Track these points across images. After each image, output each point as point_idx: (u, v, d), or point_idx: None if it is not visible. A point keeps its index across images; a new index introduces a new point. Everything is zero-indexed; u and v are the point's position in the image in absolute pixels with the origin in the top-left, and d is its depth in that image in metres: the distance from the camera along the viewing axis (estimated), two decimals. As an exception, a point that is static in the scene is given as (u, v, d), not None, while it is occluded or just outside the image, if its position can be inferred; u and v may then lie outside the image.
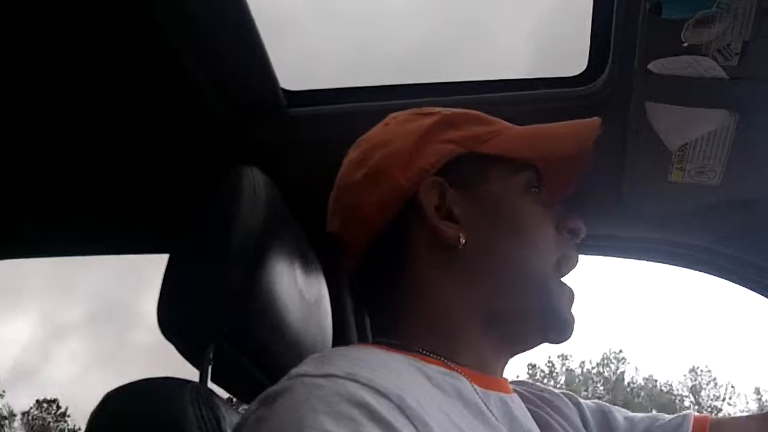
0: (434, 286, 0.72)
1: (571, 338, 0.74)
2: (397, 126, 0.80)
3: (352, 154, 0.80)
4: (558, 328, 0.74)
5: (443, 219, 0.73)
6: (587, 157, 0.80)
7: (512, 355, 0.76)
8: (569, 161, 0.80)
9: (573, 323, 0.74)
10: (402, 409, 0.53)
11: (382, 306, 0.76)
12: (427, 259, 0.73)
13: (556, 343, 0.75)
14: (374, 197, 0.74)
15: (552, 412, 0.79)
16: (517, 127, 0.81)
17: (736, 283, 1.30)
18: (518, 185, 0.76)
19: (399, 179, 0.74)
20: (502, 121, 0.81)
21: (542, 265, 0.74)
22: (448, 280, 0.72)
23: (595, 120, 0.78)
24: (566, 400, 0.84)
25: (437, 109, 0.80)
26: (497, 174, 0.76)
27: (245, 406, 0.62)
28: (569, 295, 0.76)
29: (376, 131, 0.81)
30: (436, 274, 0.72)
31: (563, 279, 0.77)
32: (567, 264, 0.77)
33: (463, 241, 0.71)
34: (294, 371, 0.58)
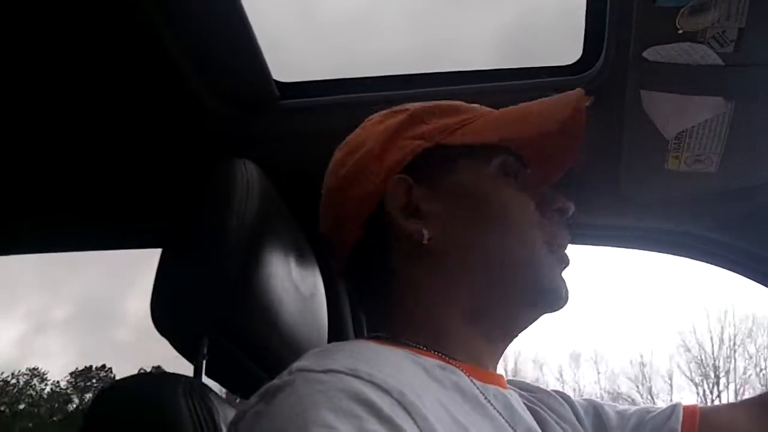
0: (415, 283, 0.73)
1: (566, 304, 0.74)
2: (370, 127, 0.80)
3: (337, 155, 0.81)
4: (549, 299, 0.74)
5: (410, 216, 0.73)
6: (575, 133, 0.78)
7: (509, 340, 0.76)
8: (551, 139, 0.77)
9: (563, 290, 0.74)
10: (403, 404, 0.53)
11: (374, 303, 0.76)
12: (404, 257, 0.73)
13: (551, 312, 0.75)
14: (352, 199, 0.76)
15: (547, 410, 0.79)
16: (494, 111, 0.79)
17: (733, 271, 1.30)
18: (490, 172, 0.75)
19: (371, 180, 0.75)
20: (480, 108, 0.80)
21: (524, 248, 0.73)
22: (424, 277, 0.72)
23: (573, 93, 0.76)
24: (558, 398, 0.84)
25: (409, 106, 0.80)
26: (466, 164, 0.75)
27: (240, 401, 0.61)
28: (559, 263, 0.76)
29: (355, 133, 0.82)
30: (412, 271, 0.73)
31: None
32: (559, 242, 0.76)
33: (427, 236, 0.71)
34: (295, 366, 0.58)
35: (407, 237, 0.72)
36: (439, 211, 0.73)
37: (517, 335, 0.76)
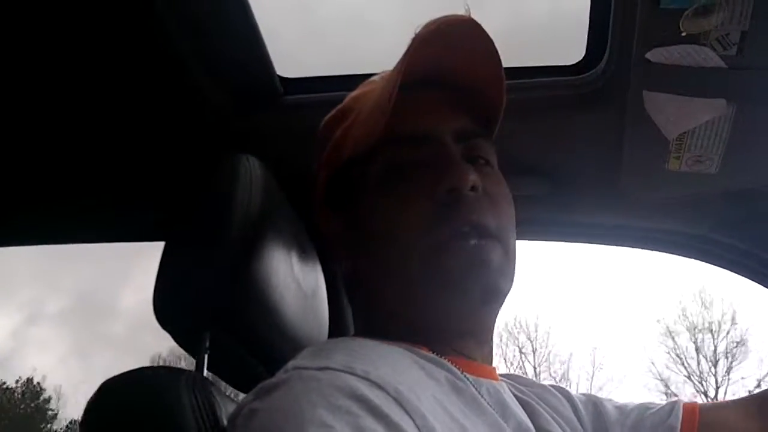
0: (366, 303, 0.78)
1: (501, 290, 0.70)
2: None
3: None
4: (478, 297, 0.69)
5: (340, 247, 0.78)
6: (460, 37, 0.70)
7: (484, 334, 0.74)
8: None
9: (480, 277, 0.68)
10: (399, 401, 0.54)
11: (362, 302, 0.79)
12: (351, 281, 0.81)
13: (498, 302, 0.71)
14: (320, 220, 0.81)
15: (542, 403, 0.79)
16: (367, 104, 0.74)
17: (733, 272, 1.30)
18: (373, 180, 0.72)
19: (318, 212, 0.81)
20: (357, 106, 0.77)
21: (415, 258, 0.68)
22: (368, 298, 0.77)
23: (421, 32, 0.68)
24: (556, 392, 0.84)
25: (328, 117, 0.82)
26: (357, 182, 0.74)
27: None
28: (467, 252, 0.68)
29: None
30: (360, 294, 0.79)
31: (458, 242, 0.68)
32: (458, 233, 0.68)
33: (349, 269, 0.77)
34: (291, 364, 0.58)
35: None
36: (351, 239, 0.76)
37: (488, 328, 0.74)
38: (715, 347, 17.29)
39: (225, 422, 0.68)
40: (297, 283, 0.85)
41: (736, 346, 17.02)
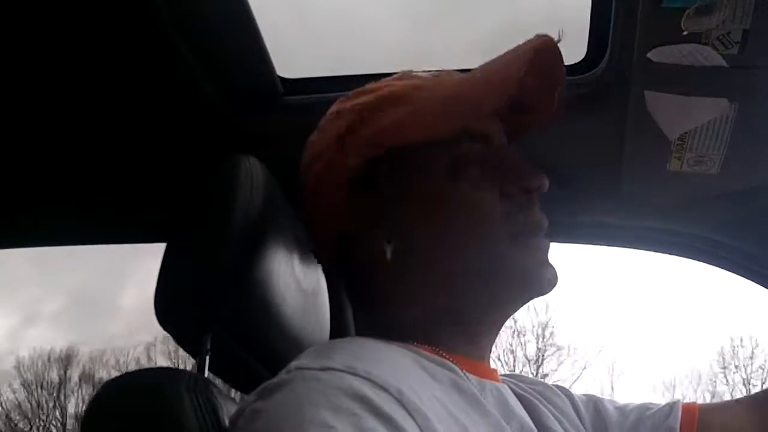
0: (389, 292, 0.73)
1: (555, 286, 0.72)
2: (322, 133, 0.78)
3: (304, 158, 0.80)
4: (530, 287, 0.72)
5: (373, 228, 0.73)
6: (547, 76, 0.75)
7: (496, 330, 0.75)
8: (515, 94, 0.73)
9: (546, 275, 0.72)
10: (401, 402, 0.53)
11: (362, 300, 0.78)
12: (374, 268, 0.73)
13: (539, 296, 0.73)
14: (320, 209, 0.77)
15: (546, 402, 0.79)
16: (435, 94, 0.75)
17: (735, 273, 1.30)
18: (441, 170, 0.72)
19: (330, 197, 0.75)
20: (429, 81, 0.77)
21: (488, 248, 0.70)
22: (400, 284, 0.72)
23: (524, 50, 0.70)
24: (558, 392, 0.84)
25: (358, 102, 0.77)
26: (415, 165, 0.73)
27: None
28: (535, 250, 0.72)
29: (313, 139, 0.80)
30: (389, 277, 0.72)
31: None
32: (527, 230, 0.72)
33: (390, 250, 0.71)
34: (293, 364, 0.58)
35: (372, 250, 0.72)
36: (397, 220, 0.72)
37: (503, 324, 0.76)
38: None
39: (227, 423, 0.68)
40: (298, 283, 0.85)
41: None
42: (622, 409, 0.85)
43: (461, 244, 0.70)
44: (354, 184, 0.74)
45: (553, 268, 0.72)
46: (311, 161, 0.78)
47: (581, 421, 0.81)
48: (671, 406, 0.84)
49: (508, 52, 0.72)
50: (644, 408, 0.85)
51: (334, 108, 0.80)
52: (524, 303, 0.74)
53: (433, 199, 0.72)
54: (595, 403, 0.85)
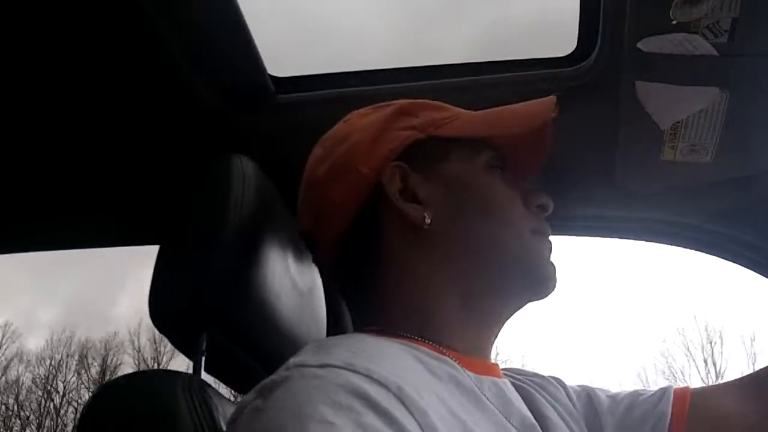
0: (409, 268, 0.73)
1: (554, 288, 0.76)
2: (356, 120, 0.81)
3: (316, 151, 0.81)
4: (538, 285, 0.76)
5: (408, 201, 0.74)
6: (545, 136, 0.82)
7: (500, 327, 0.77)
8: (526, 140, 0.81)
9: (552, 276, 0.76)
10: (400, 398, 0.53)
11: (364, 296, 0.76)
12: (398, 243, 0.74)
13: (539, 299, 0.76)
14: (340, 190, 0.76)
15: (545, 394, 0.80)
16: (474, 112, 0.82)
17: (730, 261, 1.30)
18: (480, 164, 0.78)
19: (362, 169, 0.75)
20: (459, 108, 0.82)
21: (514, 236, 0.75)
22: (422, 262, 0.73)
23: (549, 99, 0.78)
24: (553, 382, 0.85)
25: (393, 102, 0.82)
26: (457, 155, 0.78)
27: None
28: (546, 247, 0.78)
29: (337, 128, 0.82)
30: (409, 256, 0.73)
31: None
32: (541, 230, 0.79)
33: (429, 220, 0.73)
34: (292, 361, 0.58)
35: (406, 221, 0.73)
36: (435, 198, 0.75)
37: (506, 321, 0.78)
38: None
39: (223, 425, 0.68)
40: (293, 281, 0.85)
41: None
42: (613, 397, 0.86)
43: (492, 227, 0.74)
44: (390, 160, 0.76)
45: (556, 270, 0.76)
46: (335, 143, 0.79)
47: (575, 409, 0.82)
48: (663, 391, 0.85)
49: (524, 103, 0.81)
50: (636, 394, 0.86)
51: (360, 111, 0.84)
52: (528, 300, 0.77)
53: (473, 185, 0.76)
54: (588, 393, 0.86)
